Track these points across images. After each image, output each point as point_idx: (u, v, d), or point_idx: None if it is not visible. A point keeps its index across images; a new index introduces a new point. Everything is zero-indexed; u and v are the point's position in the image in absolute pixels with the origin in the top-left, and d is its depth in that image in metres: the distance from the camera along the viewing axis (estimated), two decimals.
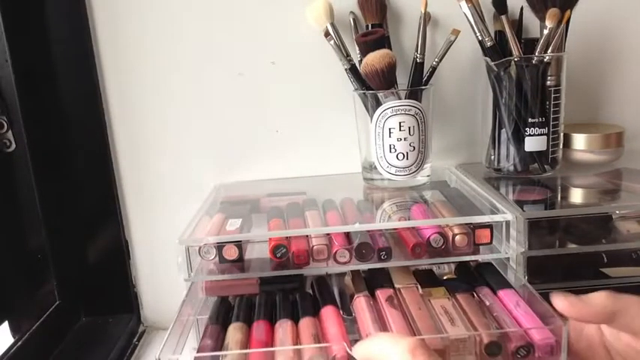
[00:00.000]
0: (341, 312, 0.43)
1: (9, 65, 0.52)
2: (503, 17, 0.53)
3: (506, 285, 0.43)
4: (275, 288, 0.47)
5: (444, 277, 0.47)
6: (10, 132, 0.53)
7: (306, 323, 0.41)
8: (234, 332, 0.41)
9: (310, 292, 0.47)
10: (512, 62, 0.53)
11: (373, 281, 0.45)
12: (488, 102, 0.56)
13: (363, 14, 0.56)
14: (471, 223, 0.46)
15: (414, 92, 0.53)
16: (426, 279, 0.46)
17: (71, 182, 0.59)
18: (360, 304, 0.43)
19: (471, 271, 0.47)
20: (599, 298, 0.34)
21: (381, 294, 0.43)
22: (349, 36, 0.57)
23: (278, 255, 0.45)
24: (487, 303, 0.42)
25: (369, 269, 0.46)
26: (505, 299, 0.42)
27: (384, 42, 0.54)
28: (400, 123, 0.52)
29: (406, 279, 0.45)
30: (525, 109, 0.53)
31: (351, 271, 0.46)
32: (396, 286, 0.44)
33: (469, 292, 0.43)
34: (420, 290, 0.44)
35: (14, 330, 0.53)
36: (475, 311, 0.40)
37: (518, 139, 0.54)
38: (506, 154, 0.55)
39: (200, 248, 0.45)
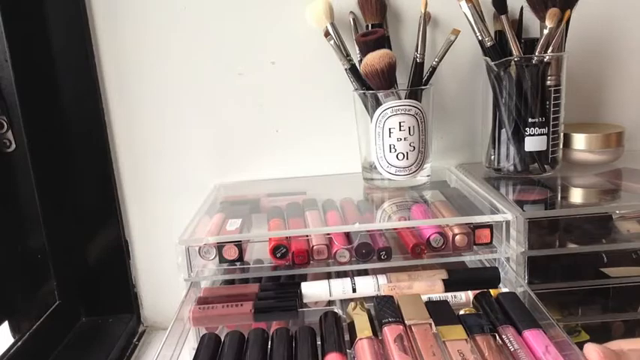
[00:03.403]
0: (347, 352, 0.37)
1: (9, 65, 0.52)
2: (503, 17, 0.53)
3: (533, 324, 0.38)
4: (271, 318, 0.43)
5: (461, 312, 0.40)
6: (10, 132, 0.53)
7: None
8: None
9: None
10: (512, 62, 0.53)
11: (380, 313, 0.39)
12: (488, 102, 0.56)
13: (363, 14, 0.56)
14: (471, 223, 0.46)
15: (414, 92, 0.53)
16: (441, 314, 0.39)
17: (71, 182, 0.59)
18: (363, 348, 0.37)
19: (491, 301, 0.41)
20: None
21: (390, 331, 0.37)
22: (349, 36, 0.57)
23: (278, 255, 0.45)
24: (512, 348, 0.36)
25: (375, 296, 0.42)
26: (532, 342, 0.36)
27: (384, 42, 0.54)
28: (400, 123, 0.52)
29: (418, 313, 0.39)
30: (525, 108, 0.53)
31: (356, 300, 0.41)
32: (407, 322, 0.38)
33: (490, 332, 0.38)
34: (434, 329, 0.38)
35: (14, 330, 0.53)
36: (498, 359, 0.35)
37: (518, 138, 0.54)
38: (507, 153, 0.55)
39: (200, 248, 0.45)
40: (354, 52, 0.56)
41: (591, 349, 0.33)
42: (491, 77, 0.55)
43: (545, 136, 0.53)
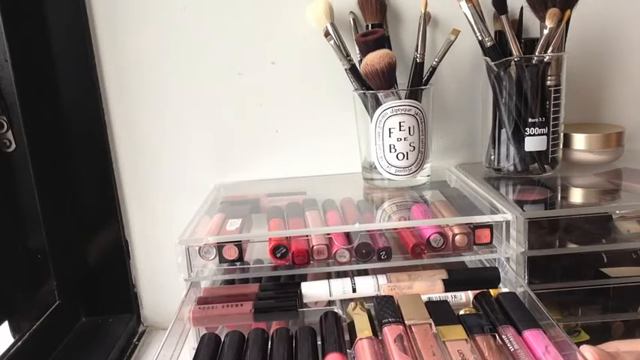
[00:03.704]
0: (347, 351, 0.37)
1: (9, 65, 0.52)
2: (503, 17, 0.53)
3: (533, 324, 0.38)
4: (271, 318, 0.43)
5: (461, 312, 0.40)
6: (10, 132, 0.53)
7: None
8: None
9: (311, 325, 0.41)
10: (512, 62, 0.53)
11: (380, 313, 0.39)
12: (488, 102, 0.56)
13: (363, 14, 0.56)
14: (471, 223, 0.46)
15: (414, 92, 0.53)
16: (441, 314, 0.39)
17: (71, 182, 0.59)
18: (363, 348, 0.36)
19: (491, 301, 0.41)
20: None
21: (390, 331, 0.37)
22: (349, 36, 0.57)
23: (278, 255, 0.45)
24: (512, 348, 0.36)
25: (375, 296, 0.42)
26: (532, 342, 0.36)
27: (384, 42, 0.54)
28: (400, 123, 0.52)
29: (418, 313, 0.39)
30: (525, 109, 0.53)
31: (356, 300, 0.41)
32: (407, 322, 0.38)
33: (490, 332, 0.37)
34: (434, 329, 0.38)
35: (14, 330, 0.53)
36: (497, 359, 0.35)
37: (518, 138, 0.54)
38: (507, 153, 0.55)
39: (200, 248, 0.45)
40: (354, 52, 0.56)
41: (587, 351, 0.33)
42: (491, 77, 0.55)
43: (545, 136, 0.53)
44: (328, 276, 0.47)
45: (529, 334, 0.37)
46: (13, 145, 0.54)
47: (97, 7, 0.57)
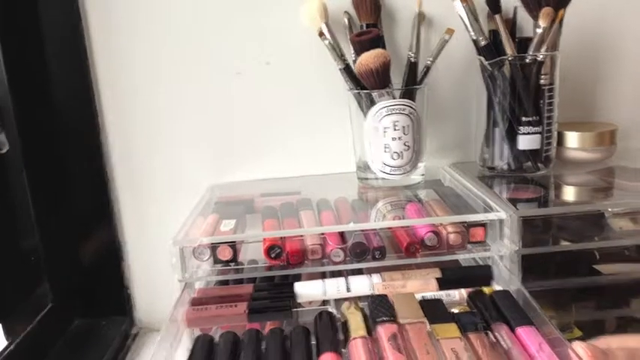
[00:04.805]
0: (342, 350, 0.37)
1: (1, 67, 0.52)
2: (497, 16, 0.53)
3: (527, 321, 0.38)
4: (265, 318, 0.43)
5: (455, 310, 0.41)
6: (2, 134, 0.53)
7: None
8: None
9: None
10: (506, 61, 0.53)
11: (374, 312, 0.39)
12: (482, 101, 0.56)
13: (357, 14, 0.56)
14: (465, 222, 0.46)
15: (409, 91, 0.53)
16: (435, 312, 0.40)
17: (65, 184, 0.59)
18: (357, 347, 0.37)
19: (484, 300, 0.41)
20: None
21: (384, 330, 0.37)
22: (344, 36, 0.57)
23: (272, 255, 0.45)
24: (505, 346, 0.36)
25: (370, 295, 0.42)
26: (526, 340, 0.36)
27: (378, 41, 0.54)
28: (394, 122, 0.52)
29: (412, 312, 0.39)
30: (519, 107, 0.53)
31: (350, 300, 0.42)
32: (401, 321, 0.38)
33: (484, 330, 0.38)
34: (428, 327, 0.38)
35: (8, 332, 0.52)
36: (491, 356, 0.35)
37: (512, 137, 0.54)
38: (500, 152, 0.55)
39: (194, 249, 0.45)
40: (349, 52, 0.56)
41: (579, 347, 0.33)
42: (485, 76, 0.55)
43: (539, 135, 0.54)
44: (322, 275, 0.47)
45: (522, 332, 0.37)
46: (7, 147, 0.54)
47: (90, 7, 0.56)
